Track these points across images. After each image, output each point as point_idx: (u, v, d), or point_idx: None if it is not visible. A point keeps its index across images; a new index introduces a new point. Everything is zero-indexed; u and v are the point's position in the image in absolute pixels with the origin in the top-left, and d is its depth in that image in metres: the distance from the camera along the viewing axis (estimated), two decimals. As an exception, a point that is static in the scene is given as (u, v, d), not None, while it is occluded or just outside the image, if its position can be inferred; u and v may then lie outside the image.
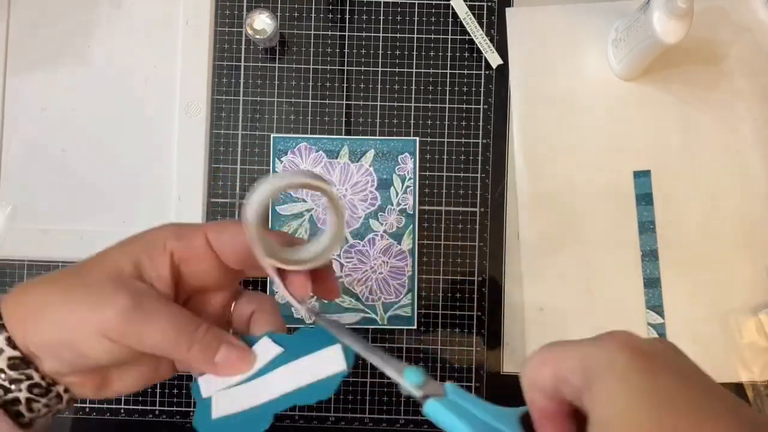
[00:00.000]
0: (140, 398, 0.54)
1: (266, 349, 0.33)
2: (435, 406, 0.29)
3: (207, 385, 0.34)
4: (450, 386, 0.30)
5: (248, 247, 0.31)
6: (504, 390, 0.54)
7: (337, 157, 0.55)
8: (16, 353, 0.30)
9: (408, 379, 0.30)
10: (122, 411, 0.54)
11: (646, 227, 0.54)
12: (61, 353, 0.30)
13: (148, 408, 0.54)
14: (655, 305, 0.54)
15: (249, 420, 0.33)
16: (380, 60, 0.56)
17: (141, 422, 0.54)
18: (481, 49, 0.55)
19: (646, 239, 0.54)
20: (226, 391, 0.34)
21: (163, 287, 0.32)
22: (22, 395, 0.30)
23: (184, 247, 0.32)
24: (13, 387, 0.30)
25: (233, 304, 0.36)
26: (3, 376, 0.30)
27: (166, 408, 0.54)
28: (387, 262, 0.54)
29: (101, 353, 0.30)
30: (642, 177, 0.55)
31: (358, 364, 0.54)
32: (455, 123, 0.56)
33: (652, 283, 0.54)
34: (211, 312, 0.35)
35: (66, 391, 0.32)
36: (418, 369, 0.30)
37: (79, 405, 0.54)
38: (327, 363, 0.33)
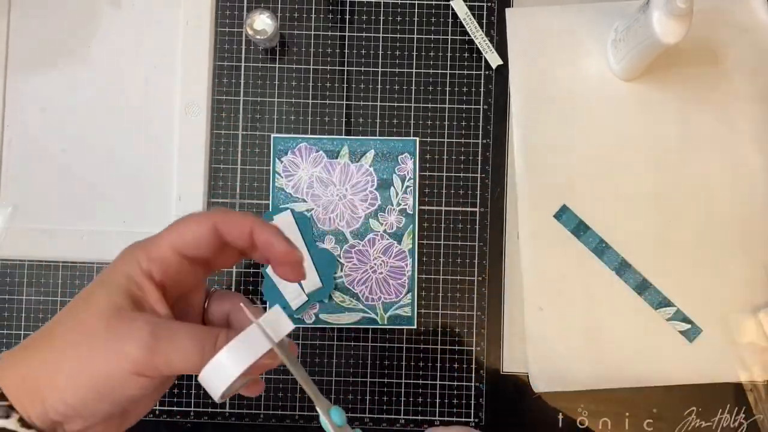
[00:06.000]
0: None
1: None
2: None
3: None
4: None
5: (212, 243, 0.33)
6: (504, 390, 0.54)
7: (337, 157, 0.55)
8: None
9: (333, 417, 0.33)
10: (122, 411, 0.54)
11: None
12: (96, 407, 0.30)
13: (149, 408, 0.54)
14: (661, 301, 0.54)
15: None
16: (380, 60, 0.56)
17: (141, 422, 0.53)
18: (481, 49, 0.56)
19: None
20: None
21: (161, 308, 0.32)
22: None
23: (158, 264, 0.32)
24: None
25: (206, 304, 0.36)
26: None
27: (166, 408, 0.54)
28: (387, 262, 0.54)
29: (137, 391, 0.30)
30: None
31: (359, 364, 0.55)
32: (455, 123, 0.56)
33: (645, 283, 0.54)
34: (193, 314, 0.35)
35: None
36: (342, 411, 0.33)
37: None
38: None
